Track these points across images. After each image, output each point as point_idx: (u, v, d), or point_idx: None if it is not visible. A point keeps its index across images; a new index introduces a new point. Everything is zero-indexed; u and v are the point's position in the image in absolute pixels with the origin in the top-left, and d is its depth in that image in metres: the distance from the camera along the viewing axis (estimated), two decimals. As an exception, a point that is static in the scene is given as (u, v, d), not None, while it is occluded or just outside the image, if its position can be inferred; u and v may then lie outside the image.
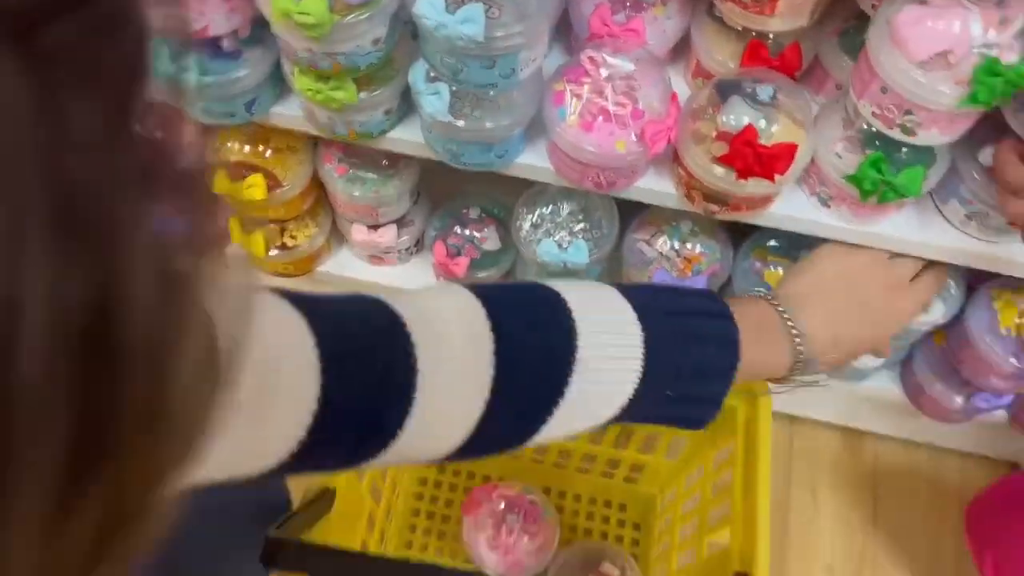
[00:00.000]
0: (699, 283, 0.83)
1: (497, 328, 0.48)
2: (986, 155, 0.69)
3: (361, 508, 0.85)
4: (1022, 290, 0.82)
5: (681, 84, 0.78)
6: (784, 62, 0.70)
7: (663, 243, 0.84)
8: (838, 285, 0.67)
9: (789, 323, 0.60)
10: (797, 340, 0.59)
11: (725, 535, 0.75)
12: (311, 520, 0.68)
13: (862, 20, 0.68)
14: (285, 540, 0.58)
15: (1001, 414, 0.95)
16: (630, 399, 0.51)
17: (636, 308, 0.52)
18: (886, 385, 0.98)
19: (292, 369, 0.41)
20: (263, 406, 0.39)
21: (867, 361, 0.91)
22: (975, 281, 0.83)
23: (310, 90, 0.68)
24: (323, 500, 0.70)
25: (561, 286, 0.52)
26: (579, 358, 0.49)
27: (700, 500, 0.85)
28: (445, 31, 0.58)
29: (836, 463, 1.11)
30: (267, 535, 0.58)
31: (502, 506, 0.94)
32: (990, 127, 0.65)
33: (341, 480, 0.72)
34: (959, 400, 0.91)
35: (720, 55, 0.72)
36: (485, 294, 0.50)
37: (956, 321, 0.85)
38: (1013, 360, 0.80)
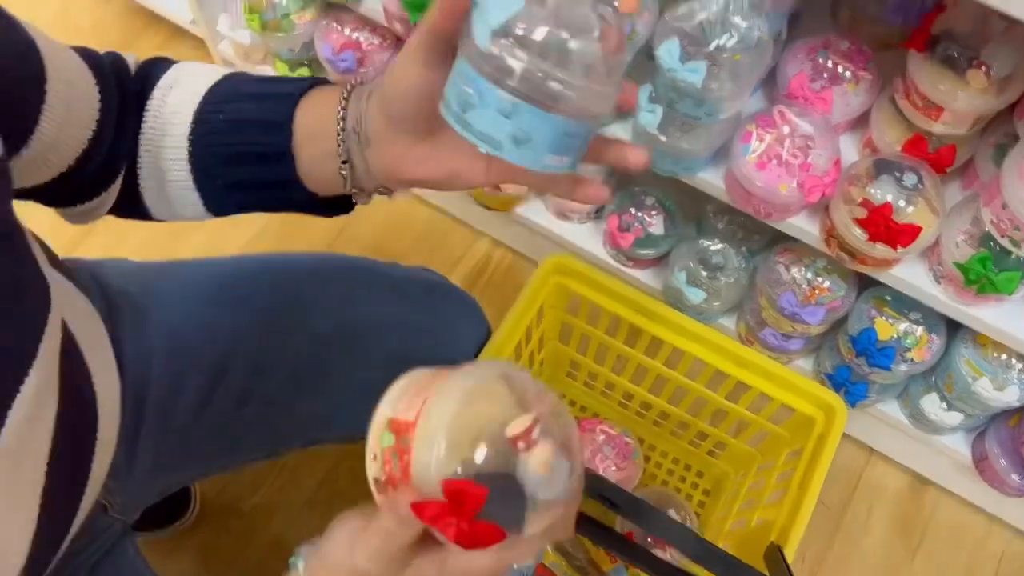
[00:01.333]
0: (818, 313, 0.99)
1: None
2: (1085, 279, 0.82)
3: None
4: (1098, 400, 0.94)
5: (853, 148, 0.93)
6: (938, 157, 0.85)
7: (798, 271, 1.01)
8: None
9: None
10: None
11: (773, 514, 0.92)
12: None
13: (1016, 141, 0.81)
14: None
15: (1054, 502, 1.07)
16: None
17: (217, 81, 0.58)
18: (959, 446, 1.11)
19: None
20: None
21: (945, 417, 1.05)
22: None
23: (560, 82, 0.88)
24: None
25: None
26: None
27: (764, 484, 1.03)
28: (674, 74, 0.77)
29: (898, 498, 1.25)
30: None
31: (602, 438, 1.15)
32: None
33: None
34: (1016, 478, 1.04)
35: (889, 137, 0.87)
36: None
37: (1031, 409, 0.98)
38: (1068, 457, 0.93)
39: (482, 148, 0.43)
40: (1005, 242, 0.78)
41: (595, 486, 0.74)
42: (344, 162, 0.54)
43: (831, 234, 0.88)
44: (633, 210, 1.15)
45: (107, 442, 0.62)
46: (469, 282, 1.39)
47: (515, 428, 0.46)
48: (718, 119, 0.83)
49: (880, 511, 1.24)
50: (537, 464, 0.46)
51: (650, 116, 0.85)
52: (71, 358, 0.56)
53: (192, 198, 0.58)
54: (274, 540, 1.17)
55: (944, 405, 1.05)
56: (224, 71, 0.58)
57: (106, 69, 0.55)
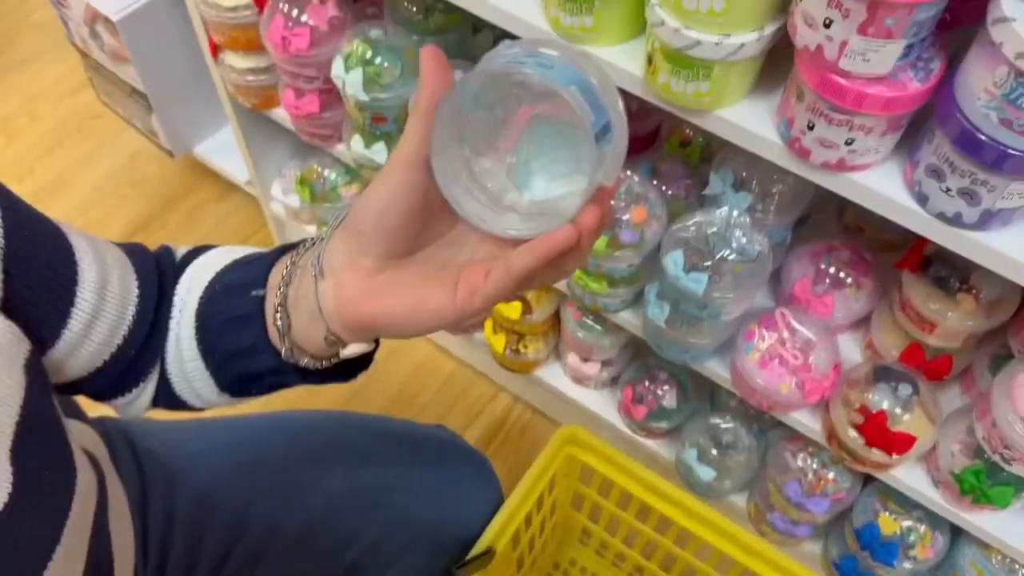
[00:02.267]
0: (823, 504, 1.01)
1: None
2: (1082, 495, 0.83)
3: (506, 572, 1.10)
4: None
5: (856, 347, 0.98)
6: (936, 366, 0.88)
7: (804, 459, 1.03)
8: None
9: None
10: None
11: None
12: (475, 569, 0.93)
13: (1011, 356, 0.85)
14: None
15: None
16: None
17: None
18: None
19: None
20: None
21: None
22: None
23: (576, 276, 0.95)
24: (486, 557, 0.95)
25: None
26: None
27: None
28: (678, 281, 0.83)
29: None
30: (448, 570, 0.84)
31: (609, 611, 1.15)
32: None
33: (502, 543, 0.97)
34: None
35: (888, 343, 0.91)
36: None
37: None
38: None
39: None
40: (996, 458, 0.80)
41: None
42: (278, 309, 0.52)
43: (831, 433, 0.91)
44: (647, 382, 1.19)
45: None
46: (488, 437, 1.43)
47: None
48: (720, 322, 0.88)
49: None
50: None
51: (657, 312, 0.91)
52: (98, 521, 0.59)
53: (212, 390, 0.61)
54: None
55: (954, 608, 1.04)
56: (229, 260, 0.59)
57: (150, 268, 0.58)
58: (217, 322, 0.56)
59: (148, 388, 0.62)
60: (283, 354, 0.53)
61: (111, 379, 0.59)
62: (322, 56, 0.99)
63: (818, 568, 1.14)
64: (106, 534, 0.61)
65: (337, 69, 0.94)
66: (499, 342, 1.24)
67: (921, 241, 0.85)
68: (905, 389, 0.86)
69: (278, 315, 0.52)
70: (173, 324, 0.59)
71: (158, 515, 0.73)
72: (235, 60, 1.11)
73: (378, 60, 0.93)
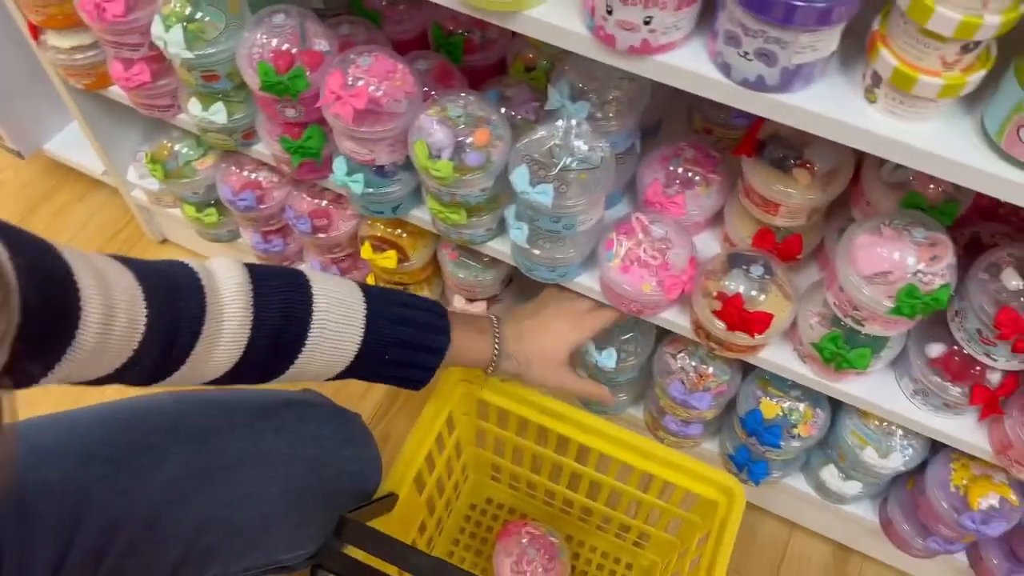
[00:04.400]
0: (706, 399, 1.04)
1: (255, 289, 0.70)
2: (933, 349, 0.88)
3: (416, 515, 1.10)
4: (977, 457, 0.99)
5: (715, 243, 1.00)
6: (786, 247, 0.91)
7: (683, 359, 1.06)
8: (535, 310, 0.97)
9: (495, 328, 0.89)
10: (496, 337, 0.88)
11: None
12: (374, 513, 0.92)
13: (854, 225, 0.88)
14: (353, 520, 0.83)
15: (964, 556, 1.11)
16: (355, 355, 0.76)
17: (366, 296, 0.77)
18: (866, 513, 1.15)
19: (126, 308, 0.60)
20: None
21: (844, 487, 1.09)
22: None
23: (435, 210, 0.95)
24: (387, 500, 0.95)
25: (314, 276, 0.75)
26: (314, 320, 0.73)
27: (681, 572, 1.05)
28: (527, 197, 0.83)
29: (823, 570, 1.27)
30: (340, 515, 0.83)
31: (526, 540, 1.17)
32: (944, 325, 0.84)
33: (404, 489, 0.97)
34: (919, 540, 1.07)
35: (741, 232, 0.94)
36: (254, 270, 0.72)
37: (920, 470, 1.02)
38: (955, 515, 0.97)
39: None
40: (849, 322, 0.84)
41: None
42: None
43: (697, 325, 0.94)
44: (533, 314, 1.20)
45: None
46: (389, 400, 1.42)
47: None
48: (576, 231, 0.89)
49: (807, 582, 1.26)
50: None
51: (518, 232, 0.91)
52: None
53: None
54: None
55: (842, 475, 1.09)
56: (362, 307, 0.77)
57: (163, 288, 0.64)
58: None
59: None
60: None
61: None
62: (142, 20, 0.95)
63: (717, 464, 1.18)
64: None
65: (157, 29, 0.91)
66: (383, 296, 1.23)
67: (754, 125, 0.88)
68: (757, 270, 0.88)
69: None
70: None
71: None
72: (57, 40, 1.06)
73: (199, 15, 0.91)
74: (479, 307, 1.21)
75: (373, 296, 0.78)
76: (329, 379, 0.79)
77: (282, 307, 0.72)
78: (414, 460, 0.99)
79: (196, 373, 0.69)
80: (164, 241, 1.56)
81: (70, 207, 1.61)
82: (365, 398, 1.41)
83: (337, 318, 0.74)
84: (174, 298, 0.65)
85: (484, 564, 1.24)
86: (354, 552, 0.80)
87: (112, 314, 0.58)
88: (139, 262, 0.65)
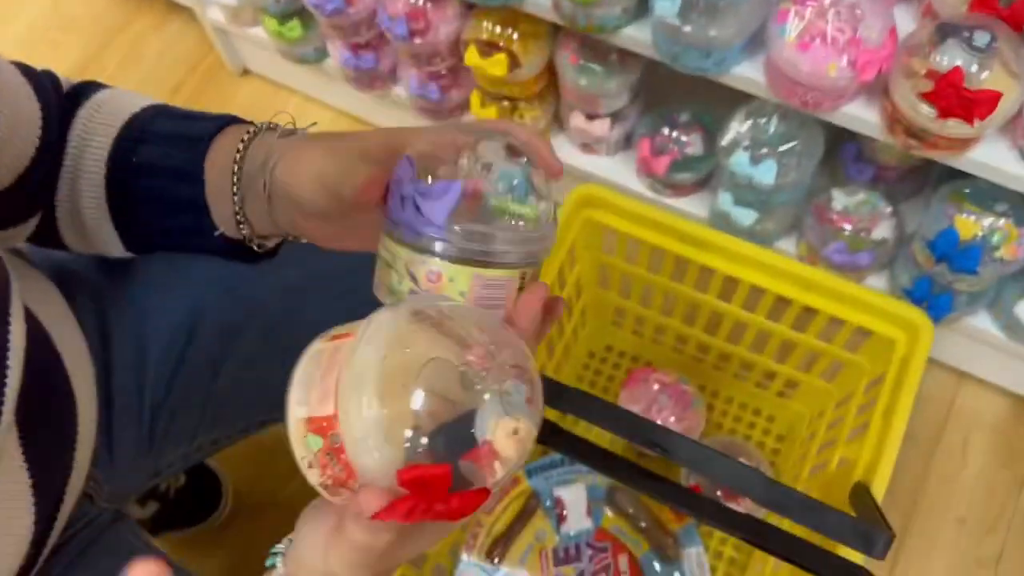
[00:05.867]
0: (867, 257, 0.85)
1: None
2: None
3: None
4: None
5: (910, 20, 0.80)
6: (1013, 13, 0.71)
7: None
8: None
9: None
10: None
11: (856, 452, 0.81)
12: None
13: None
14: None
15: None
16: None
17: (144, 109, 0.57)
18: (1065, 357, 0.98)
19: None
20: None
21: (1045, 325, 0.91)
22: None
23: (561, -18, 0.78)
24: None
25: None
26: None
27: (843, 421, 0.91)
28: (687, -59, 0.65)
29: (997, 426, 1.11)
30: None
31: (656, 387, 1.04)
32: None
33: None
34: None
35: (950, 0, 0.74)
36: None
37: None
38: None
39: None
40: (1109, 95, 0.64)
41: (644, 433, 0.64)
42: (240, 222, 0.52)
43: (894, 118, 0.75)
44: (666, 130, 1.03)
45: (87, 429, 0.57)
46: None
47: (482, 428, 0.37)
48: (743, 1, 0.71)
49: (978, 440, 1.11)
50: (503, 445, 0.38)
51: (667, 3, 0.74)
52: (39, 345, 0.53)
53: (110, 235, 0.56)
54: (314, 528, 1.09)
55: (1045, 310, 0.91)
56: (145, 103, 0.56)
57: (48, 89, 0.53)
58: (145, 165, 0.53)
59: (32, 223, 0.56)
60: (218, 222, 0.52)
61: (11, 205, 0.53)
62: None
63: (885, 303, 1.01)
64: (54, 357, 0.55)
65: None
66: (490, 116, 1.08)
67: None
68: (981, 38, 0.69)
69: (236, 189, 0.50)
70: (68, 159, 0.54)
71: (92, 332, 0.63)
72: None
73: None
74: (602, 126, 1.05)
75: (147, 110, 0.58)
76: None
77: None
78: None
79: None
80: (245, 72, 1.43)
81: (146, 37, 1.49)
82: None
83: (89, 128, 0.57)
84: (53, 89, 0.54)
85: (607, 415, 1.12)
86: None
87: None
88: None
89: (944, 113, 0.69)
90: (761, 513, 0.87)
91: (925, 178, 0.99)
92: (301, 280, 0.69)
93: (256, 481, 1.12)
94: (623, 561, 1.00)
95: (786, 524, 0.66)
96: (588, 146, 1.10)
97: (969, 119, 0.69)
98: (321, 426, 0.39)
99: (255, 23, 1.22)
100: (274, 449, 1.14)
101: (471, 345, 0.38)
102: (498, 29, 0.97)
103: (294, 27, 1.13)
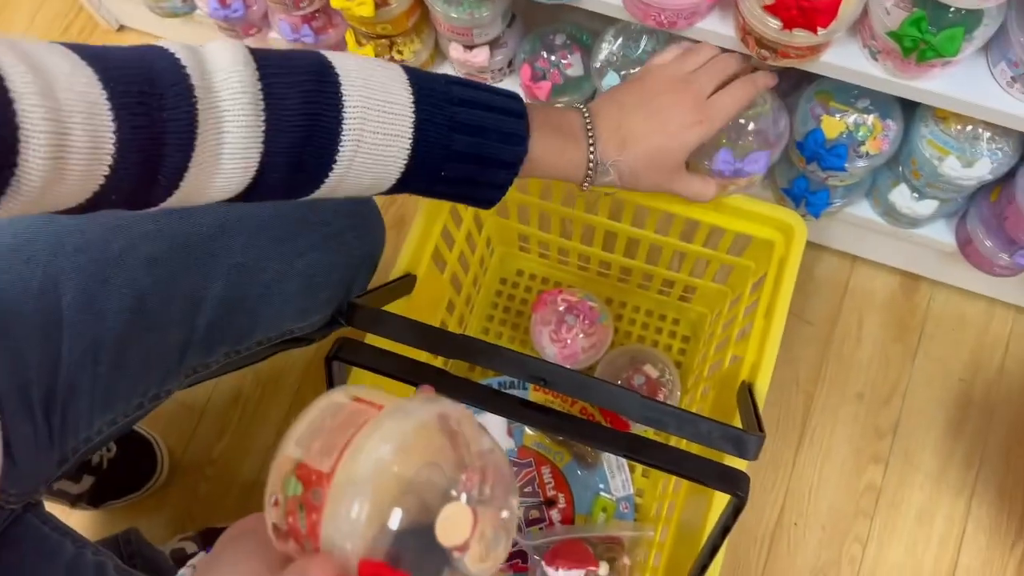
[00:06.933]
0: (760, 160, 0.87)
1: (267, 89, 0.52)
2: (1039, 19, 0.70)
3: (442, 294, 1.00)
4: (1079, 154, 0.84)
5: (759, -73, 0.81)
6: (852, -87, 0.72)
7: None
8: (640, 96, 0.71)
9: (588, 127, 0.67)
10: (591, 142, 0.67)
11: (744, 349, 0.85)
12: (389, 297, 0.82)
13: None
14: (363, 305, 0.73)
15: (1053, 273, 0.99)
16: (402, 173, 0.60)
17: (416, 92, 0.58)
18: (941, 235, 1.03)
19: (84, 121, 0.45)
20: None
21: (917, 208, 0.96)
22: (1032, 141, 0.85)
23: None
24: (404, 281, 0.85)
25: (340, 61, 0.56)
26: (345, 129, 0.55)
27: (733, 320, 0.96)
28: None
29: (889, 303, 1.17)
30: (350, 300, 0.73)
31: (563, 307, 1.07)
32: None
33: (422, 269, 0.86)
34: (1004, 256, 0.95)
35: (793, -98, 0.74)
36: (259, 56, 0.54)
37: (1008, 178, 0.88)
38: (1053, 221, 0.84)
39: None
40: (937, -5, 0.66)
41: (529, 369, 0.67)
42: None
43: (746, 31, 0.77)
44: (545, 53, 1.03)
45: None
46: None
47: (451, 535, 0.39)
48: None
49: (871, 318, 1.17)
50: (472, 562, 0.40)
51: (512, -62, 0.73)
52: None
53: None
54: (249, 480, 1.13)
55: (915, 195, 0.95)
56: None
57: (134, 91, 0.47)
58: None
59: None
60: None
61: None
62: None
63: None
64: None
65: None
66: (368, 55, 1.06)
67: None
68: (819, -55, 0.70)
69: None
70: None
71: None
72: None
73: None
74: (480, 55, 1.04)
75: (425, 90, 0.59)
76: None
77: (303, 112, 0.54)
78: (428, 236, 0.87)
79: (195, 197, 0.54)
80: (121, 28, 1.38)
81: (11, 3, 1.42)
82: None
83: (375, 127, 0.57)
84: (150, 104, 0.48)
85: (522, 336, 1.16)
86: (376, 341, 0.70)
87: (64, 131, 0.44)
88: (100, 50, 0.48)
89: (788, 25, 0.71)
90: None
91: (801, 75, 1.01)
92: (160, 252, 0.69)
93: (189, 440, 1.15)
94: (546, 472, 1.06)
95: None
96: (472, 76, 1.09)
97: (812, 28, 0.70)
98: (309, 477, 0.40)
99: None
100: (201, 410, 1.17)
101: (467, 464, 0.40)
102: (361, -32, 0.95)
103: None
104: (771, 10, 0.71)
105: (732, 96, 0.72)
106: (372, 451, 0.39)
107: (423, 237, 0.87)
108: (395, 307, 0.82)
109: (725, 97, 0.72)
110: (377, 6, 0.96)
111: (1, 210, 0.44)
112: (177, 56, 0.50)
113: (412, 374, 0.65)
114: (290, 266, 0.75)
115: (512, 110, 0.63)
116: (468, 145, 0.60)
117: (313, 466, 0.40)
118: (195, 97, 0.49)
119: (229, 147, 0.52)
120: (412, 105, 0.58)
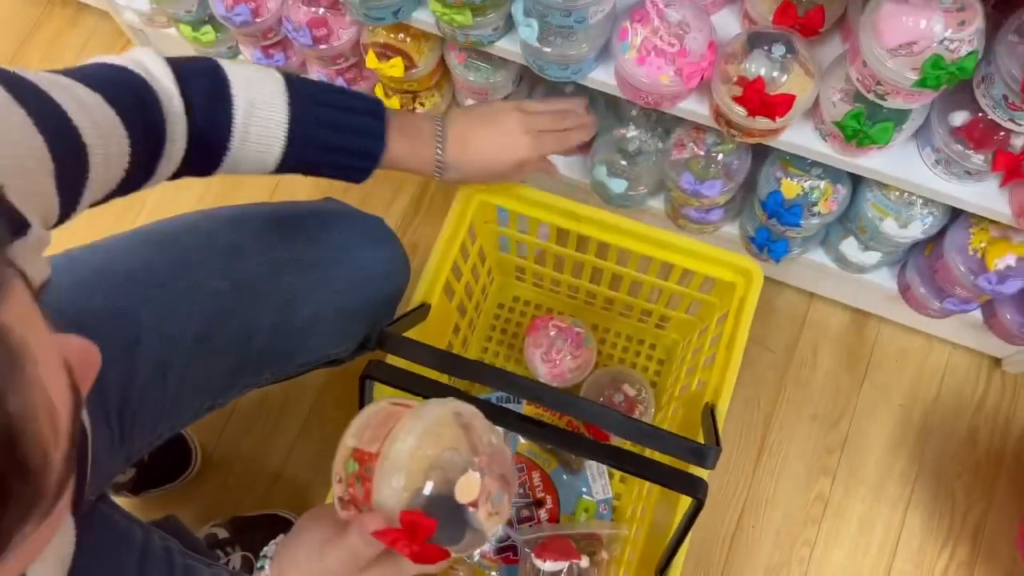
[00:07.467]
0: (716, 186, 1.03)
1: (184, 92, 0.70)
2: (956, 118, 0.86)
3: (449, 320, 1.15)
4: (996, 221, 1.00)
5: (735, 22, 0.96)
6: (808, 21, 0.88)
7: (691, 148, 1.05)
8: (486, 116, 0.90)
9: (439, 133, 0.85)
10: (438, 143, 0.85)
11: (709, 375, 1.00)
12: (409, 325, 0.96)
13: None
14: (393, 333, 0.87)
15: (979, 314, 1.15)
16: (279, 159, 0.77)
17: (292, 100, 0.75)
18: (884, 280, 1.19)
19: (113, 136, 0.63)
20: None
21: (863, 258, 1.11)
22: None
23: (438, 12, 0.91)
24: (420, 311, 0.99)
25: (233, 71, 0.74)
26: (235, 128, 0.73)
27: (701, 349, 1.11)
28: (535, -8, 0.80)
29: (842, 335, 1.33)
30: (381, 329, 0.87)
31: (553, 332, 1.22)
32: (968, 92, 0.83)
33: (435, 298, 1.00)
34: (936, 302, 1.11)
35: (762, 8, 0.90)
36: (176, 66, 0.71)
37: (939, 237, 1.04)
38: (972, 276, 1.00)
39: None
40: (872, 97, 0.82)
41: (524, 390, 0.81)
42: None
43: (718, 113, 0.92)
44: (547, 111, 1.18)
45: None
46: (412, 209, 1.44)
47: (466, 495, 0.58)
48: (588, 25, 0.86)
49: (825, 348, 1.33)
50: (483, 518, 0.59)
51: (528, 30, 0.88)
52: None
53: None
54: (273, 473, 1.27)
55: (861, 247, 1.11)
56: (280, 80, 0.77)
57: (128, 104, 0.65)
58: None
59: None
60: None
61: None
62: None
63: (739, 247, 1.20)
64: None
65: None
66: (395, 106, 1.21)
67: None
68: (779, 50, 0.86)
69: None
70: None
71: None
72: None
73: None
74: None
75: (298, 98, 0.76)
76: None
77: (206, 112, 0.72)
78: (441, 271, 1.02)
79: (161, 176, 0.73)
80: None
81: (64, 34, 1.56)
82: (391, 207, 1.43)
83: (258, 131, 0.74)
84: (143, 114, 0.66)
85: (517, 356, 1.31)
86: (396, 361, 0.85)
87: (107, 144, 0.62)
88: (93, 76, 0.64)
89: (752, 113, 0.86)
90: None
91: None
92: (225, 287, 0.82)
93: (219, 437, 1.29)
94: (536, 476, 1.20)
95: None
96: (483, 125, 1.24)
97: (772, 117, 0.86)
98: (363, 458, 0.58)
99: (168, 25, 1.31)
100: (230, 410, 1.31)
101: (479, 451, 0.59)
102: (392, 35, 1.10)
103: (207, 32, 1.23)
104: (739, 101, 0.86)
105: (556, 138, 0.94)
106: (406, 438, 0.57)
107: (436, 271, 1.01)
108: (411, 332, 0.96)
109: (552, 136, 0.93)
110: (406, 68, 1.11)
111: (76, 212, 0.61)
112: (134, 70, 0.67)
113: (429, 390, 0.79)
114: (330, 303, 0.89)
115: (373, 113, 0.80)
116: (334, 140, 0.78)
117: (365, 449, 0.59)
118: (159, 100, 0.68)
119: (177, 132, 0.70)
120: (287, 108, 0.75)
